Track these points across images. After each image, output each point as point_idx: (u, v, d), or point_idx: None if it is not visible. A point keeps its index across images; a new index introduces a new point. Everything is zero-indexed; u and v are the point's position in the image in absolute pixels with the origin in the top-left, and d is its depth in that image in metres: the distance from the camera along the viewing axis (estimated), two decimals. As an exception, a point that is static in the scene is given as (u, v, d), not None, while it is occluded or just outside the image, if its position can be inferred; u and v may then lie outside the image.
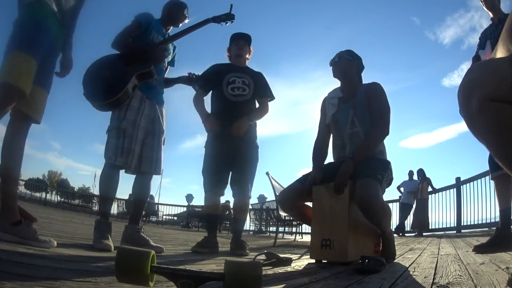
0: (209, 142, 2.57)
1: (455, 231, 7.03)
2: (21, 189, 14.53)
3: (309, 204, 2.17)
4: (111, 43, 2.07)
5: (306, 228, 5.83)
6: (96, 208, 13.90)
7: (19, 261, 1.10)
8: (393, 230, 5.49)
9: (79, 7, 1.84)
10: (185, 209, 14.15)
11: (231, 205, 8.63)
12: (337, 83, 2.30)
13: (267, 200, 9.25)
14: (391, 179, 2.11)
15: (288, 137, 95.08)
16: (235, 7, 2.30)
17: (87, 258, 1.48)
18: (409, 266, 1.69)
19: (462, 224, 7.06)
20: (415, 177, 8.59)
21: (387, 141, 2.16)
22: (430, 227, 8.08)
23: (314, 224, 1.99)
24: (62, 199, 16.36)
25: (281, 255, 1.73)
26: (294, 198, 2.16)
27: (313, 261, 1.97)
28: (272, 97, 2.69)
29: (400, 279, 1.28)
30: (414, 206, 8.45)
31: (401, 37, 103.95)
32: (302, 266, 1.75)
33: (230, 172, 2.55)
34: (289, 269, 1.57)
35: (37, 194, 16.13)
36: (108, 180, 2.06)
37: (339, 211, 1.88)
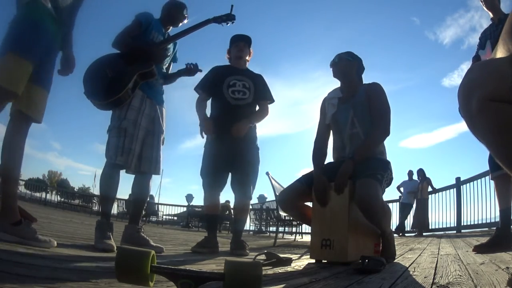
0: (209, 142, 2.57)
1: (455, 231, 7.03)
2: (21, 189, 14.54)
3: (309, 204, 2.16)
4: (111, 43, 2.08)
5: (306, 228, 5.84)
6: (96, 208, 13.92)
7: (19, 261, 1.10)
8: (394, 230, 5.50)
9: (77, 5, 1.83)
10: (185, 209, 14.15)
11: (231, 205, 8.63)
12: (337, 83, 2.30)
13: (267, 200, 9.26)
14: (391, 179, 2.11)
15: (288, 137, 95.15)
16: (235, 7, 2.30)
17: (87, 258, 1.48)
18: (409, 266, 1.69)
19: (462, 224, 7.06)
20: (414, 177, 8.59)
21: (387, 141, 2.16)
22: (430, 227, 8.08)
23: (314, 224, 1.99)
24: (62, 199, 16.37)
25: (281, 255, 1.73)
26: (294, 198, 2.16)
27: (313, 261, 1.97)
28: (271, 100, 2.69)
29: (400, 279, 1.28)
30: (414, 206, 8.46)
31: (401, 37, 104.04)
32: (302, 266, 1.75)
33: (230, 173, 2.55)
34: (289, 269, 1.57)
35: (37, 194, 16.15)
36: (109, 180, 2.06)
37: (339, 211, 1.88)
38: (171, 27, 2.32)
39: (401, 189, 8.74)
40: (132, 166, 2.06)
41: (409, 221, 8.73)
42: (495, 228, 2.51)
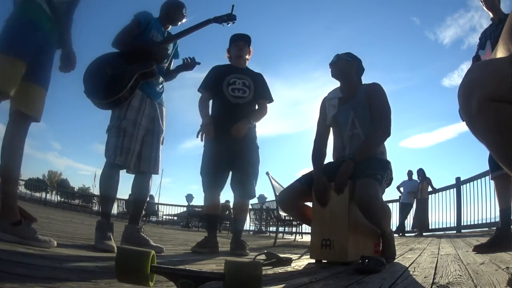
0: (208, 141, 2.57)
1: (455, 231, 7.03)
2: (21, 189, 14.53)
3: (309, 204, 2.16)
4: (111, 42, 2.07)
5: (306, 228, 5.83)
6: (96, 208, 13.92)
7: (19, 261, 1.10)
8: (394, 230, 5.50)
9: (74, 3, 1.83)
10: (185, 209, 14.15)
11: (231, 205, 8.63)
12: (337, 83, 2.30)
13: (267, 200, 9.24)
14: (391, 179, 2.11)
15: (288, 137, 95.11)
16: (235, 7, 2.30)
17: (87, 258, 1.48)
18: (409, 266, 1.69)
19: (462, 224, 7.06)
20: (414, 176, 8.60)
21: (387, 141, 2.16)
22: (430, 227, 8.08)
23: (314, 224, 1.99)
24: (62, 199, 16.37)
25: (281, 255, 1.73)
26: (294, 198, 2.16)
27: (313, 261, 1.97)
28: (271, 100, 2.69)
29: (400, 279, 1.28)
30: (414, 205, 8.46)
31: (401, 37, 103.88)
32: (302, 266, 1.75)
33: (230, 173, 2.55)
34: (289, 269, 1.57)
35: (37, 194, 16.14)
36: (108, 180, 2.05)
37: (339, 211, 1.88)
38: (170, 26, 2.32)
39: (401, 189, 8.74)
40: (131, 165, 2.06)
41: (409, 221, 8.74)
42: (495, 228, 2.51)
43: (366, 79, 2.28)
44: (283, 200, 2.21)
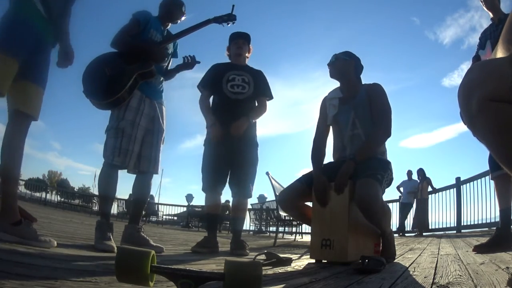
0: (208, 140, 2.57)
1: (455, 231, 7.03)
2: (21, 189, 14.53)
3: (309, 204, 2.16)
4: (110, 42, 2.07)
5: (306, 228, 5.84)
6: (96, 208, 13.91)
7: (19, 261, 1.10)
8: (394, 230, 5.50)
9: (70, 2, 1.82)
10: (185, 209, 14.16)
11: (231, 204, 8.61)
12: (337, 83, 2.30)
13: (267, 200, 9.25)
14: (391, 179, 2.11)
15: (288, 137, 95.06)
16: (235, 7, 2.30)
17: (87, 258, 1.48)
18: (409, 266, 1.69)
19: (462, 224, 7.06)
20: (414, 176, 8.60)
21: (387, 141, 2.16)
22: (430, 227, 8.08)
23: (314, 224, 1.99)
24: (62, 199, 16.38)
25: (281, 255, 1.73)
26: (294, 198, 2.16)
27: (313, 261, 1.97)
28: (270, 97, 2.69)
29: (400, 279, 1.28)
30: (414, 205, 8.45)
31: (401, 37, 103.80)
32: (302, 266, 1.75)
33: (230, 171, 2.55)
34: (289, 269, 1.57)
35: (37, 194, 16.14)
36: (107, 180, 2.05)
37: (339, 211, 1.88)
38: (169, 25, 2.31)
39: (401, 189, 8.73)
40: (131, 166, 2.06)
41: (409, 221, 8.74)
42: (495, 228, 2.51)
43: (366, 79, 2.29)
44: (283, 200, 2.21)
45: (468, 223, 6.85)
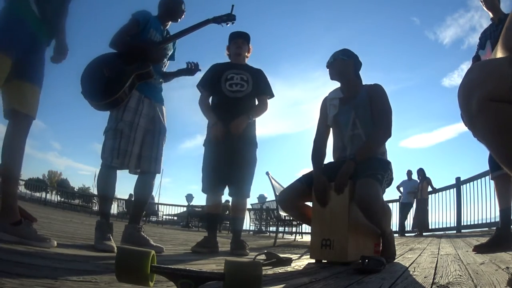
0: (208, 140, 2.57)
1: (455, 231, 7.03)
2: (21, 189, 14.53)
3: (309, 204, 2.16)
4: (109, 43, 2.06)
5: (306, 228, 5.84)
6: (96, 208, 13.91)
7: (19, 261, 1.10)
8: (395, 230, 5.49)
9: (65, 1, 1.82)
10: (185, 209, 14.15)
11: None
12: (337, 83, 2.30)
13: (267, 200, 9.25)
14: (391, 179, 2.11)
15: (288, 137, 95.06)
16: (235, 6, 2.29)
17: (87, 258, 1.47)
18: (409, 266, 1.69)
19: (462, 224, 7.06)
20: (414, 176, 8.60)
21: (387, 141, 2.16)
22: (430, 227, 8.08)
23: (314, 224, 1.99)
24: (62, 199, 16.38)
25: (281, 255, 1.73)
26: (294, 198, 2.16)
27: (313, 261, 1.97)
28: (271, 95, 2.69)
29: (400, 279, 1.28)
30: (414, 205, 8.45)
31: (401, 37, 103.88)
32: (302, 266, 1.75)
33: (229, 171, 2.55)
34: (289, 269, 1.57)
35: (37, 194, 16.14)
36: (106, 181, 2.05)
37: (339, 211, 1.88)
38: (170, 23, 2.30)
39: (401, 189, 8.73)
40: (132, 167, 2.06)
41: (409, 221, 8.74)
42: (495, 228, 2.51)
43: (366, 79, 2.29)
44: (283, 200, 2.21)
45: (468, 223, 6.85)
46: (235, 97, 2.52)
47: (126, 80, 1.99)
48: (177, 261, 1.75)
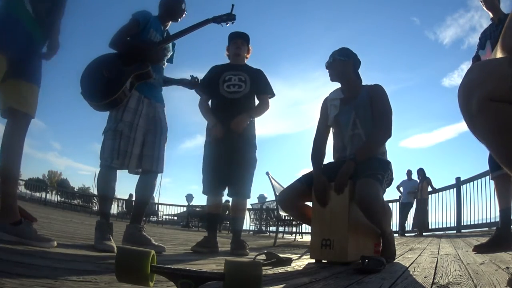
0: (209, 141, 2.58)
1: (455, 231, 7.03)
2: (21, 189, 14.54)
3: (309, 204, 2.16)
4: (108, 43, 2.06)
5: (306, 228, 5.84)
6: (96, 208, 13.91)
7: (19, 261, 1.10)
8: (395, 230, 5.50)
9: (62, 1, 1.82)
10: (185, 209, 14.16)
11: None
12: (337, 84, 2.30)
13: (267, 200, 9.25)
14: (391, 179, 2.11)
15: (288, 137, 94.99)
16: (235, 6, 2.29)
17: (87, 258, 1.47)
18: (409, 266, 1.69)
19: (462, 224, 7.06)
20: (413, 176, 8.59)
21: (387, 141, 2.16)
22: (430, 227, 8.08)
23: (314, 224, 1.99)
24: (62, 199, 16.38)
25: (281, 255, 1.73)
26: (294, 198, 2.16)
27: (313, 261, 1.97)
28: (272, 94, 2.69)
29: (400, 279, 1.28)
30: (414, 205, 8.45)
31: (401, 37, 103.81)
32: (302, 266, 1.75)
33: (229, 171, 2.55)
34: (289, 269, 1.57)
35: (37, 194, 16.14)
36: (106, 181, 2.05)
37: (339, 211, 1.88)
38: (170, 23, 2.30)
39: (401, 189, 8.73)
40: (132, 167, 2.06)
41: (409, 221, 8.74)
42: (495, 228, 2.51)
43: (366, 79, 2.29)
44: (283, 200, 2.21)
45: (468, 223, 6.85)
46: (232, 98, 2.53)
47: (125, 80, 1.99)
48: (177, 261, 1.75)
